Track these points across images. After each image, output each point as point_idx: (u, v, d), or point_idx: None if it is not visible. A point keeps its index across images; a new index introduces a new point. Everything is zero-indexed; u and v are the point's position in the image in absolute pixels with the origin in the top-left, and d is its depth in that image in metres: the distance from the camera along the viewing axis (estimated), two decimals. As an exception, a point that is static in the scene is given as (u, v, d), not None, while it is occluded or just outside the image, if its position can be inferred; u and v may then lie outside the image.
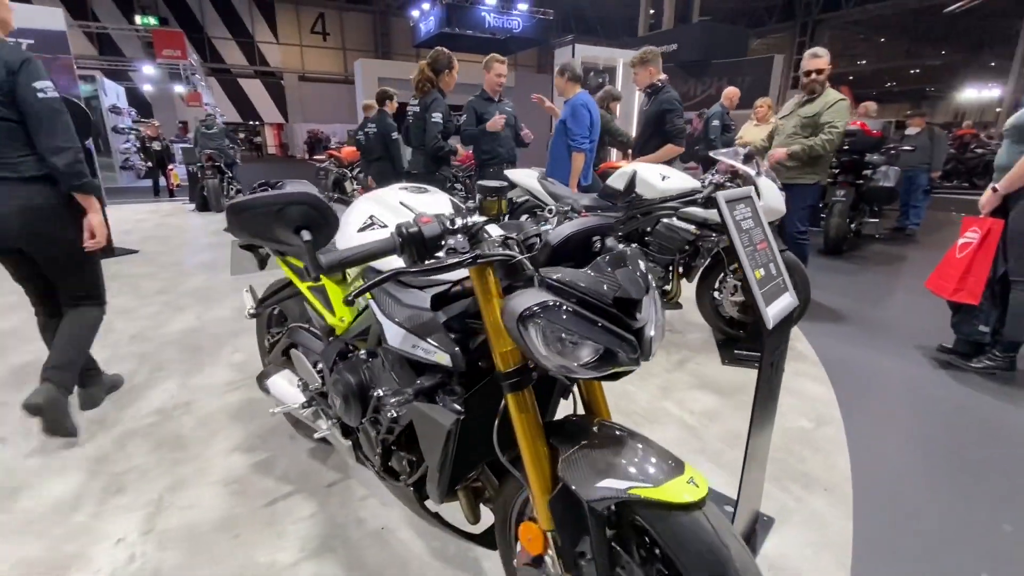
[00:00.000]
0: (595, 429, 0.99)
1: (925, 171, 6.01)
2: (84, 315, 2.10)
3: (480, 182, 0.94)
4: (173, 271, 4.61)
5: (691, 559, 0.82)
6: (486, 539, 1.29)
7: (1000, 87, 21.65)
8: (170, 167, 10.12)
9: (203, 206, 7.95)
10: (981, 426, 2.25)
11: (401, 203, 1.22)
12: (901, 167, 5.45)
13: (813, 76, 3.33)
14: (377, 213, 1.19)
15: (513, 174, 3.36)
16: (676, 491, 0.83)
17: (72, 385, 2.07)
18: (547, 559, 1.01)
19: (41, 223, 1.88)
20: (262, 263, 2.12)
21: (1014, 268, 2.57)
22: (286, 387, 1.71)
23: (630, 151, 5.11)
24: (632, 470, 0.87)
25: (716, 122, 5.73)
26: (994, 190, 2.56)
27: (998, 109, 21.71)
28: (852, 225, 5.47)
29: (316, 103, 24.90)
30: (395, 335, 1.00)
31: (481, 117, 3.68)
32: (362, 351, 1.36)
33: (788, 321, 1.37)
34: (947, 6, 20.58)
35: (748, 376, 2.68)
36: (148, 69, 17.08)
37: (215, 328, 3.25)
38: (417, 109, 3.48)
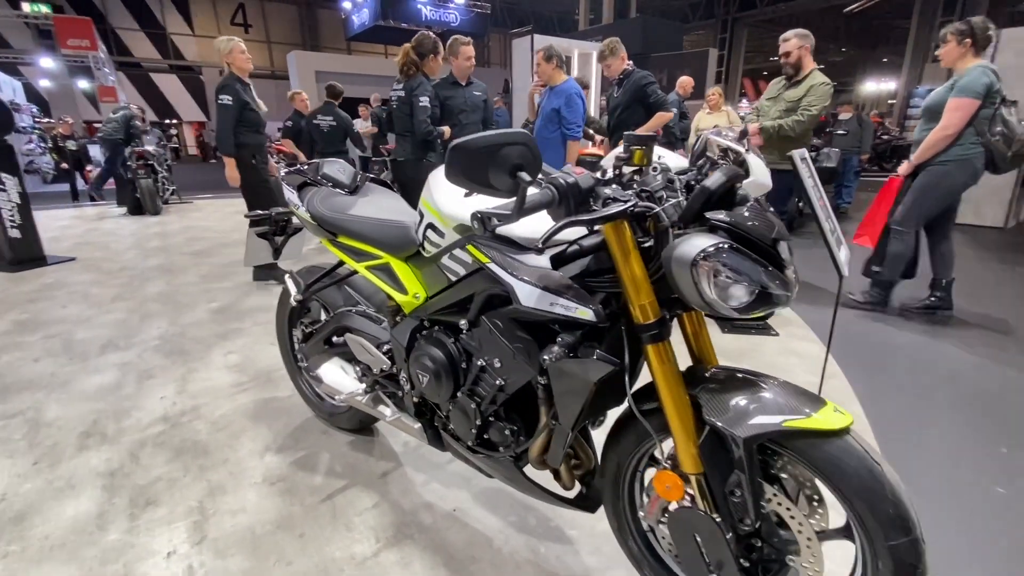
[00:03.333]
0: (724, 374, 1.03)
1: (856, 154, 6.59)
2: None
3: (627, 132, 0.95)
4: (124, 277, 4.22)
5: (848, 481, 0.87)
6: (583, 503, 1.30)
7: (894, 81, 24.07)
8: (88, 168, 9.19)
9: (136, 209, 7.30)
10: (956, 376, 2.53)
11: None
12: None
13: (783, 59, 3.41)
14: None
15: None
16: (827, 419, 0.89)
17: None
18: (684, 503, 1.04)
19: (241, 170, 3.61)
20: (276, 252, 2.01)
21: (896, 218, 3.02)
22: (340, 375, 1.62)
23: (601, 138, 5.24)
24: (780, 405, 0.92)
25: (673, 110, 5.96)
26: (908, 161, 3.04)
27: (891, 101, 24.19)
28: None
29: (241, 99, 23.43)
30: (529, 294, 0.99)
31: (444, 103, 3.62)
32: (438, 326, 1.34)
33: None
34: (847, 7, 22.62)
35: (750, 342, 2.85)
36: (46, 62, 15.36)
37: (197, 332, 3.02)
38: (402, 93, 3.38)
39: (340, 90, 5.08)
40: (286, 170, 1.77)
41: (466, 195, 1.14)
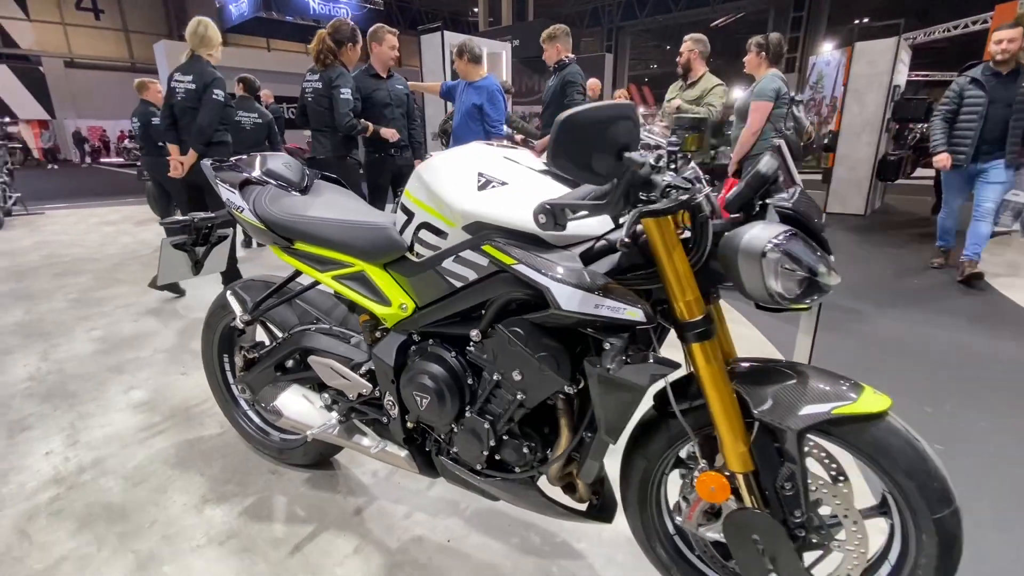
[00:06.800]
0: (757, 366, 1.01)
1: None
2: None
3: (677, 116, 0.87)
4: (-36, 307, 3.42)
5: (897, 460, 0.88)
6: (600, 514, 1.22)
7: (755, 88, 27.15)
8: None
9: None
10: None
11: (505, 157, 1.08)
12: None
13: (678, 58, 3.78)
14: (486, 170, 1.03)
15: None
16: (871, 403, 0.90)
17: None
18: (728, 504, 1.00)
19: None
20: (197, 266, 1.71)
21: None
22: (305, 406, 1.39)
23: (522, 137, 5.23)
24: (825, 393, 0.91)
25: None
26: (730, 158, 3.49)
27: (754, 106, 27.32)
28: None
29: (94, 95, 20.46)
30: (570, 297, 0.88)
31: (369, 97, 3.36)
32: (429, 339, 1.19)
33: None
34: (713, 21, 25.11)
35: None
36: None
37: (80, 367, 2.50)
38: (318, 85, 3.05)
39: (258, 85, 4.60)
40: (213, 164, 1.49)
41: (479, 188, 1.02)
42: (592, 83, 6.52)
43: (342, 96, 2.99)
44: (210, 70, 3.03)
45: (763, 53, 3.47)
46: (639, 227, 0.97)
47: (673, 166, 0.90)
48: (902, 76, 6.99)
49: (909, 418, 1.98)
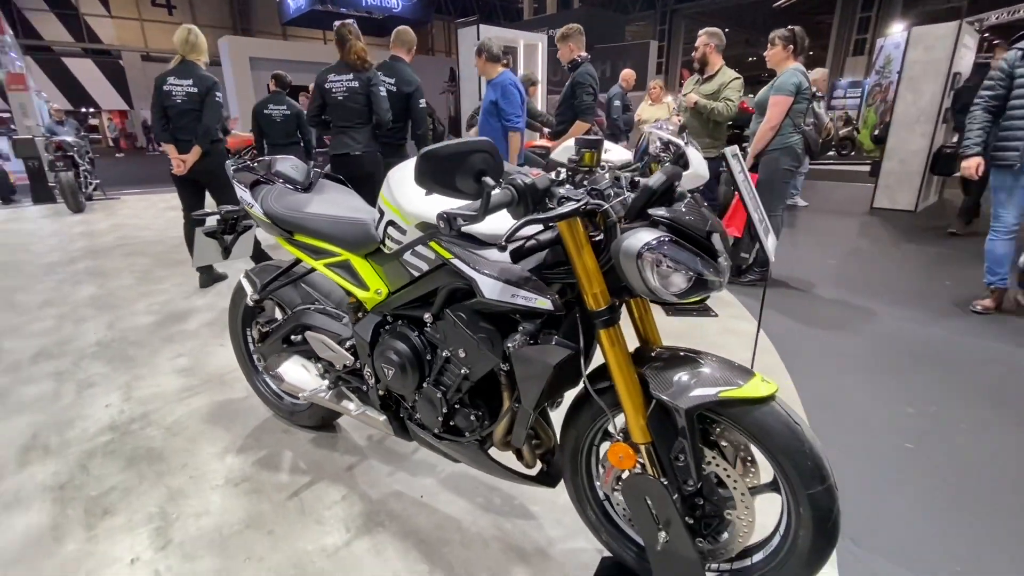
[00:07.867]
0: (668, 353, 1.14)
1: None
2: None
3: (577, 137, 1.02)
4: (51, 281, 3.94)
5: (774, 440, 1.00)
6: (545, 479, 1.39)
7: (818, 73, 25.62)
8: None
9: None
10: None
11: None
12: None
13: (694, 53, 3.80)
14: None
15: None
16: (757, 388, 1.01)
17: None
18: (635, 472, 1.15)
19: (211, 163, 3.39)
20: (226, 252, 1.98)
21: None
22: (302, 373, 1.63)
23: (548, 131, 5.34)
24: (716, 378, 1.04)
25: (617, 102, 6.16)
26: (747, 152, 3.44)
27: (819, 93, 25.80)
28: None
29: (167, 87, 21.93)
30: (492, 288, 1.05)
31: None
32: (400, 320, 1.39)
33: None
34: (776, 1, 23.83)
35: (693, 323, 3.04)
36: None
37: (138, 336, 2.89)
38: (354, 84, 3.31)
39: (289, 80, 4.98)
40: (234, 167, 1.74)
41: (427, 193, 1.20)
42: (626, 73, 6.52)
43: (381, 94, 3.28)
44: (208, 75, 3.31)
45: (791, 46, 3.40)
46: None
47: (570, 179, 1.04)
48: (965, 62, 6.53)
49: (890, 417, 2.05)
